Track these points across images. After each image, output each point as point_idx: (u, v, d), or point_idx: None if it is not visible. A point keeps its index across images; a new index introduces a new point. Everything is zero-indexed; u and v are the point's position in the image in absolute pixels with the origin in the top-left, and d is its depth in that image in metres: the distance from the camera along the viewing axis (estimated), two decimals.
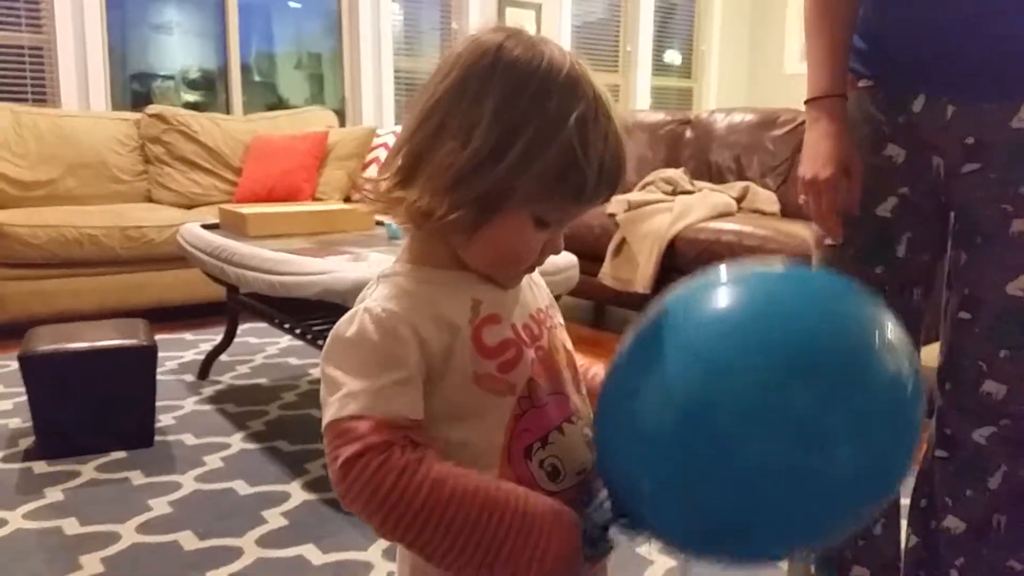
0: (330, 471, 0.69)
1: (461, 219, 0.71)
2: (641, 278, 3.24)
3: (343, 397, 0.69)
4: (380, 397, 0.68)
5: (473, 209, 0.71)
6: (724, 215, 3.34)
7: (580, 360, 0.89)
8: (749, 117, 3.92)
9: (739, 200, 3.56)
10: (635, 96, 6.48)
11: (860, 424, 0.64)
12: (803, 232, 2.93)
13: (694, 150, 4.09)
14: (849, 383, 0.64)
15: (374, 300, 0.73)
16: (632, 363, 0.74)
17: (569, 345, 0.86)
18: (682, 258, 3.16)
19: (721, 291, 0.72)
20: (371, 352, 0.70)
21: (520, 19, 5.76)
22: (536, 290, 0.86)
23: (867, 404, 0.64)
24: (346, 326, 0.72)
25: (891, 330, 0.68)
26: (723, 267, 0.74)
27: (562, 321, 0.88)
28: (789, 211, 3.56)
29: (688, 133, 4.18)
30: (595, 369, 0.89)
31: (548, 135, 0.69)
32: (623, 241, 3.39)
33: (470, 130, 0.70)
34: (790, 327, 0.65)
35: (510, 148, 0.69)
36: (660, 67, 6.78)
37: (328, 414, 0.70)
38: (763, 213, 3.52)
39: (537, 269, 0.87)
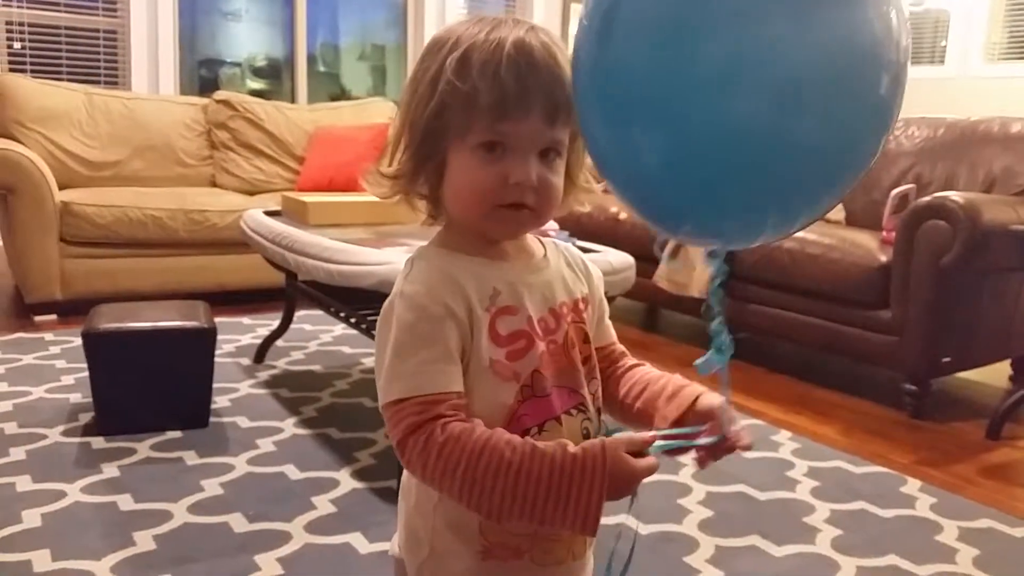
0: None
1: (423, 171, 0.82)
2: (697, 283, 3.19)
3: (386, 382, 0.78)
4: (418, 377, 0.76)
5: (422, 156, 0.81)
6: None
7: (630, 361, 0.94)
8: None
9: None
10: None
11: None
12: (869, 241, 2.84)
13: None
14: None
15: (409, 283, 0.80)
16: None
17: (594, 338, 0.90)
18: (741, 265, 3.09)
19: None
20: (408, 332, 0.78)
21: None
22: (571, 282, 0.89)
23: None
24: (387, 309, 0.81)
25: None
26: None
27: (604, 317, 0.93)
28: (855, 219, 3.46)
29: None
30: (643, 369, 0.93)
31: (437, 72, 0.79)
32: (680, 244, 3.33)
33: (402, 97, 0.84)
34: None
35: (415, 92, 0.81)
36: None
37: (380, 397, 0.79)
38: (827, 220, 3.41)
39: (594, 264, 0.93)
